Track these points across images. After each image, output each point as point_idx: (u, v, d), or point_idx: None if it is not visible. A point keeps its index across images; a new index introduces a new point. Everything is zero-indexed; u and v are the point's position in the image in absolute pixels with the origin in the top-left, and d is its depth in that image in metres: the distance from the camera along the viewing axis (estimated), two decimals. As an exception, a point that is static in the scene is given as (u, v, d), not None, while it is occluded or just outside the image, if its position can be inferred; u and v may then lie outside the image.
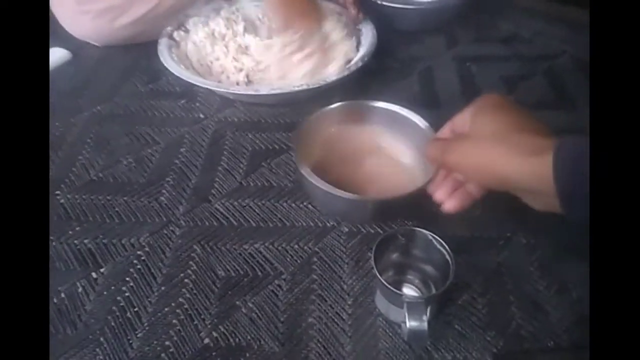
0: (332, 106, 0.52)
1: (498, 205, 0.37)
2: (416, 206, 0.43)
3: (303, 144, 0.49)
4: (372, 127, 0.54)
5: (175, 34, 0.70)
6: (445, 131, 0.40)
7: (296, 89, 0.59)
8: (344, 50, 0.66)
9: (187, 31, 0.71)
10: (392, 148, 0.54)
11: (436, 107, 0.65)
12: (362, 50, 0.66)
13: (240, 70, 0.67)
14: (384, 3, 0.75)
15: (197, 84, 0.61)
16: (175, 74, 0.62)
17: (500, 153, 0.31)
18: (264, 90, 0.60)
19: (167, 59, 0.64)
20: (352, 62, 0.63)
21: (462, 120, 0.37)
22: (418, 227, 0.41)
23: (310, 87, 0.59)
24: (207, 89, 0.62)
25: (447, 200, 0.38)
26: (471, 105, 0.37)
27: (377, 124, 0.53)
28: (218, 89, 0.61)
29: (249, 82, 0.66)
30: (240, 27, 0.71)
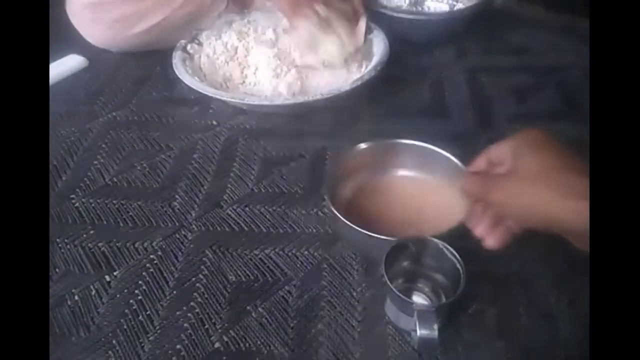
0: (362, 146, 0.52)
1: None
2: (452, 243, 0.42)
3: (334, 186, 0.49)
4: (402, 164, 0.53)
5: (189, 47, 0.71)
6: (479, 163, 0.38)
7: (309, 99, 0.60)
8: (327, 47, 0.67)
9: (200, 44, 0.73)
10: (425, 186, 0.53)
11: (446, 118, 0.65)
12: (375, 59, 0.66)
13: (254, 84, 0.68)
14: (394, 14, 0.76)
15: (212, 95, 0.62)
16: (191, 86, 0.63)
17: (546, 195, 0.31)
18: (277, 101, 0.61)
19: (182, 72, 0.66)
20: (365, 72, 0.64)
21: (501, 153, 0.36)
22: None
23: (324, 97, 0.60)
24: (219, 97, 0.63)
25: (489, 236, 0.37)
26: (511, 139, 0.36)
27: (407, 162, 0.53)
28: (232, 100, 0.62)
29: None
30: (251, 40, 0.72)
